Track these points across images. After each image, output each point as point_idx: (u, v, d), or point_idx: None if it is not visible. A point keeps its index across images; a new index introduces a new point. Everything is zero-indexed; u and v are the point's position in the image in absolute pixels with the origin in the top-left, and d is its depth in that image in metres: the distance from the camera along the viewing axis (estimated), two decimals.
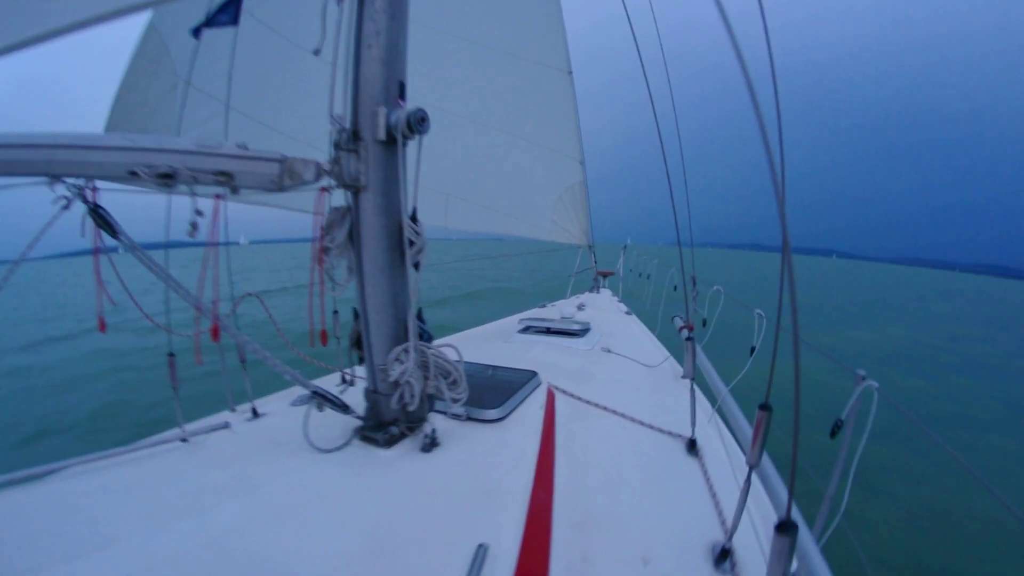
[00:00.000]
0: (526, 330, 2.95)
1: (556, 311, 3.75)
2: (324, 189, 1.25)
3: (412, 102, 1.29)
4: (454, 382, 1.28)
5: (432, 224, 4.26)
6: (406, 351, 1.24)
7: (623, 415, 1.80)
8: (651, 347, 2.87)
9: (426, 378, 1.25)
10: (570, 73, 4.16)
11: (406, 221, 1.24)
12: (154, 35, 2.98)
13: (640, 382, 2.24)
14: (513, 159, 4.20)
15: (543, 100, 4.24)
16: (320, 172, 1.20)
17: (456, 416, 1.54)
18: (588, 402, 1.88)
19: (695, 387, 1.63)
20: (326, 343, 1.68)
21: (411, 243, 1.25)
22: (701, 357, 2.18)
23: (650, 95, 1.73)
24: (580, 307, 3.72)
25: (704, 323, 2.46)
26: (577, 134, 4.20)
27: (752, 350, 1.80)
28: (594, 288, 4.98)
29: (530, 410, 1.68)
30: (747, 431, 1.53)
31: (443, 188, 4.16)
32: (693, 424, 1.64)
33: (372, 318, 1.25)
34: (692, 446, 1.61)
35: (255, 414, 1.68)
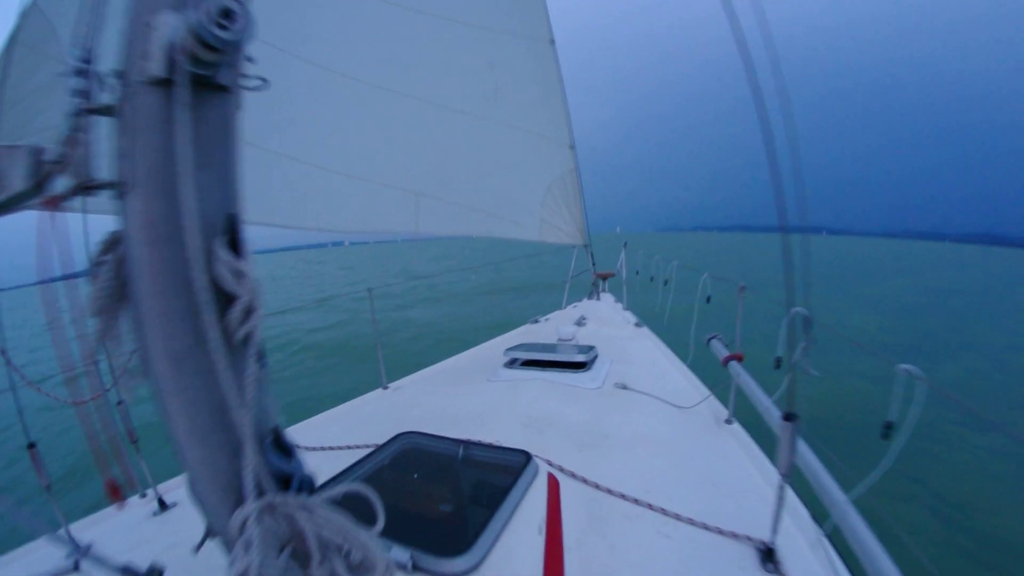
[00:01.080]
0: (514, 363, 2.34)
1: (552, 327, 3.14)
2: (52, 201, 0.60)
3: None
4: (361, 567, 0.65)
5: (400, 230, 3.63)
6: (262, 514, 0.61)
7: (661, 510, 1.21)
8: (678, 376, 2.27)
9: (304, 567, 0.63)
10: (552, 42, 3.53)
11: (219, 252, 0.58)
12: (36, 15, 2.33)
13: (673, 436, 1.65)
14: (492, 148, 3.58)
15: (523, 77, 3.62)
16: (42, 167, 0.57)
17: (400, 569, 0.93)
18: (609, 491, 1.28)
19: (786, 486, 1.01)
20: (121, 499, 1.05)
21: (231, 301, 0.59)
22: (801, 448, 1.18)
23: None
24: (580, 322, 3.12)
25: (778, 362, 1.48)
26: (565, 114, 3.57)
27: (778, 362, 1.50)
28: (593, 294, 4.36)
29: (522, 532, 1.07)
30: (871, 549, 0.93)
31: (412, 186, 3.53)
32: (775, 528, 1.06)
33: (187, 454, 0.62)
34: (769, 556, 1.06)
35: (162, 506, 1.35)
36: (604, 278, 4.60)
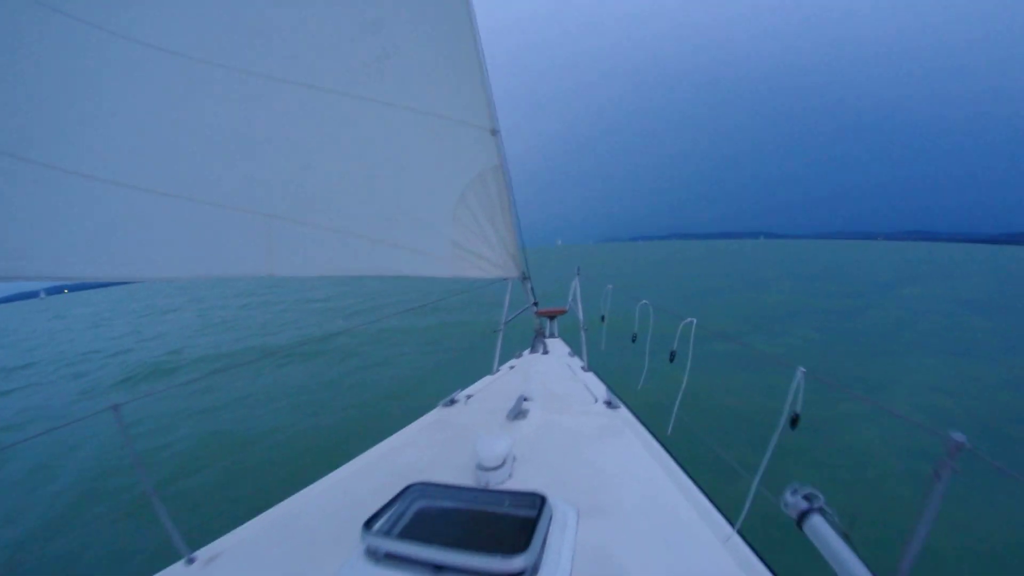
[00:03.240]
0: (377, 556, 1.11)
1: (478, 412, 1.94)
2: None
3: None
4: None
5: (247, 272, 2.48)
6: None
7: None
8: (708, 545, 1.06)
9: None
10: None
11: None
12: None
13: None
14: (378, 140, 2.42)
15: (422, 38, 2.47)
16: None
17: None
18: None
19: None
20: None
21: None
22: None
23: None
24: (519, 410, 1.88)
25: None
26: (483, 85, 2.38)
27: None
28: (536, 343, 3.05)
29: None
30: None
31: (261, 207, 2.38)
32: None
33: None
34: None
35: None
36: (552, 317, 3.34)
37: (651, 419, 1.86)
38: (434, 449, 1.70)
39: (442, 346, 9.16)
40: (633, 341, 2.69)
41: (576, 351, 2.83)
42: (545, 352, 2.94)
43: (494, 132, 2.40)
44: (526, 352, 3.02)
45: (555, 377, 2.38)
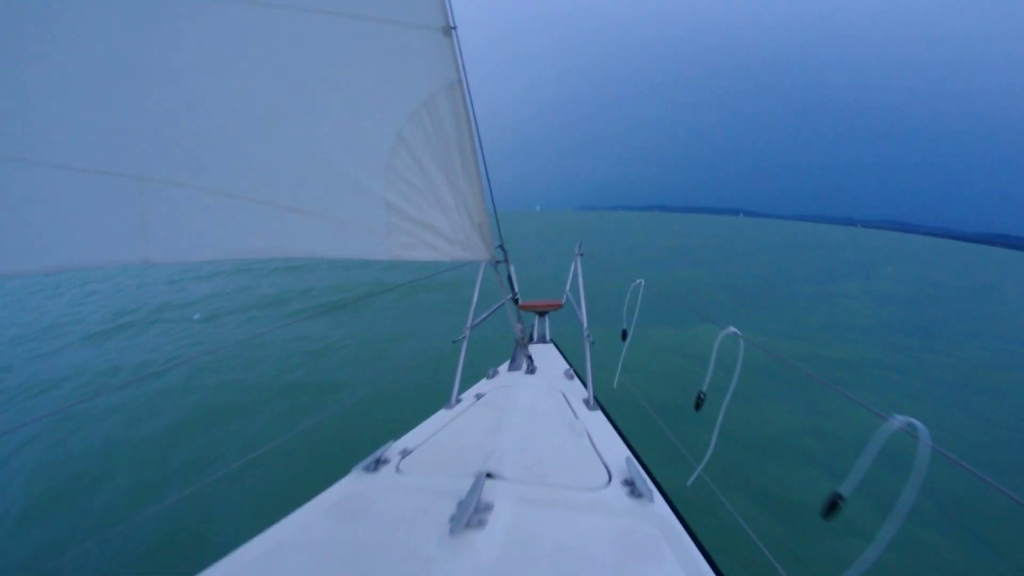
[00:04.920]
0: None
1: (373, 557, 1.15)
2: None
3: None
4: None
5: (111, 260, 1.80)
6: None
7: None
8: None
9: None
10: None
11: None
12: None
13: None
14: (286, 62, 1.64)
15: None
16: None
17: None
18: None
19: None
20: None
21: None
22: None
23: None
24: (478, 507, 1.10)
25: None
26: None
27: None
28: (519, 355, 2.14)
29: None
30: None
31: (130, 166, 1.68)
32: None
33: None
34: None
35: None
36: (542, 313, 2.45)
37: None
38: (326, 568, 0.95)
39: (393, 355, 6.14)
40: (624, 338, 2.01)
41: (577, 364, 1.98)
42: (530, 370, 2.03)
43: (448, 31, 1.53)
44: (503, 368, 2.11)
45: (543, 425, 1.53)
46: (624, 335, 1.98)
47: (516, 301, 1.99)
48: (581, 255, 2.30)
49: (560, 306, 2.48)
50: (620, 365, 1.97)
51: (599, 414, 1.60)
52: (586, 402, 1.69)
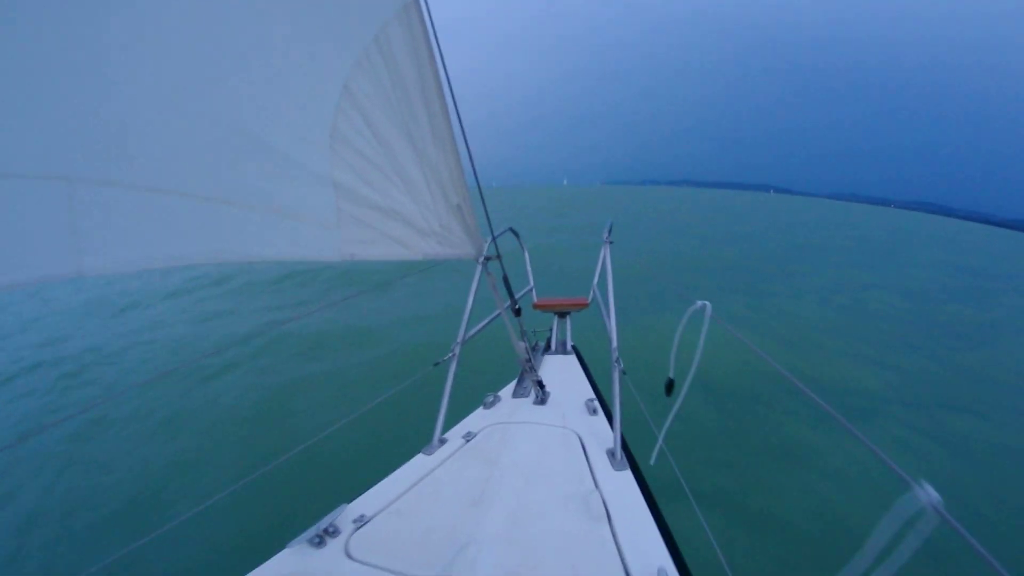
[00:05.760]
0: None
1: None
2: None
3: None
4: None
5: (42, 276, 1.54)
6: None
7: None
8: None
9: None
10: None
11: None
12: None
13: None
14: (194, 18, 1.27)
15: None
16: None
17: None
18: None
19: None
20: None
21: None
22: None
23: None
24: None
25: None
26: None
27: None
28: (524, 380, 1.64)
29: None
30: None
31: (55, 166, 1.40)
32: None
33: None
34: None
35: None
36: (562, 314, 1.90)
37: None
38: None
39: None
40: (668, 392, 1.33)
41: (602, 388, 1.48)
42: (540, 400, 1.51)
43: None
44: (506, 392, 1.63)
45: (546, 494, 1.09)
46: (670, 387, 1.29)
47: (518, 311, 1.49)
48: (611, 242, 1.78)
49: (586, 305, 1.97)
50: (664, 433, 1.26)
51: (627, 476, 1.14)
52: (611, 455, 1.22)
